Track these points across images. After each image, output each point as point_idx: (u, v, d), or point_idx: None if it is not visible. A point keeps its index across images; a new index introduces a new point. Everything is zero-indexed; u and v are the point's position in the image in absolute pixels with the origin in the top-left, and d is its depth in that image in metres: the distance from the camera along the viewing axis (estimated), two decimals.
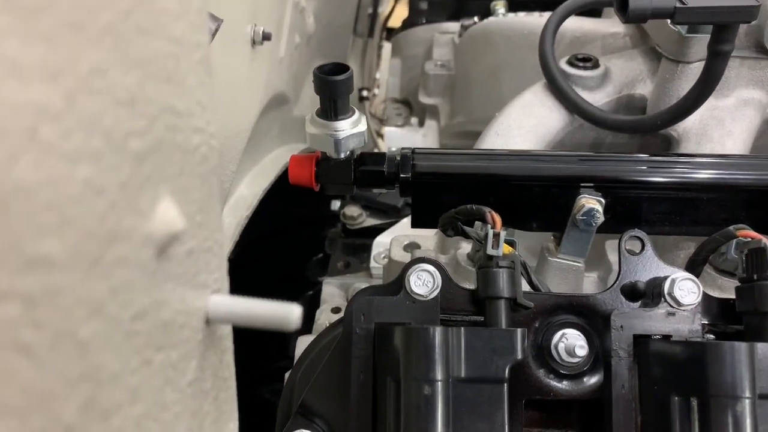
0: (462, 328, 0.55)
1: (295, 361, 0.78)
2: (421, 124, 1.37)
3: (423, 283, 0.61)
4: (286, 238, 1.44)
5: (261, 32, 1.05)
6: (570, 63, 0.92)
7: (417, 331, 0.54)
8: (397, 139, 1.33)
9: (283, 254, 1.43)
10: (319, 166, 0.76)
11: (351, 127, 0.73)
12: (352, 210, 1.15)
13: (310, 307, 1.13)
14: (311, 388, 0.64)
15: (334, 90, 0.70)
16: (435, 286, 0.61)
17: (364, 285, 0.99)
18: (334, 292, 0.98)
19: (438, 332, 0.54)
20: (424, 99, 1.35)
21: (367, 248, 1.10)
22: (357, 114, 0.74)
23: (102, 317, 0.21)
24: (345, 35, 1.82)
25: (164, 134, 0.25)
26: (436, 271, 0.61)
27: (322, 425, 0.62)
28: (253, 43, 1.05)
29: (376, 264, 1.03)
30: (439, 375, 0.53)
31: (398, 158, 0.76)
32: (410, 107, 1.44)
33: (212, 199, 0.33)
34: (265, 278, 1.46)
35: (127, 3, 0.21)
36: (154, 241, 0.26)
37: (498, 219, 0.62)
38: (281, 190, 1.27)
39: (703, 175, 0.75)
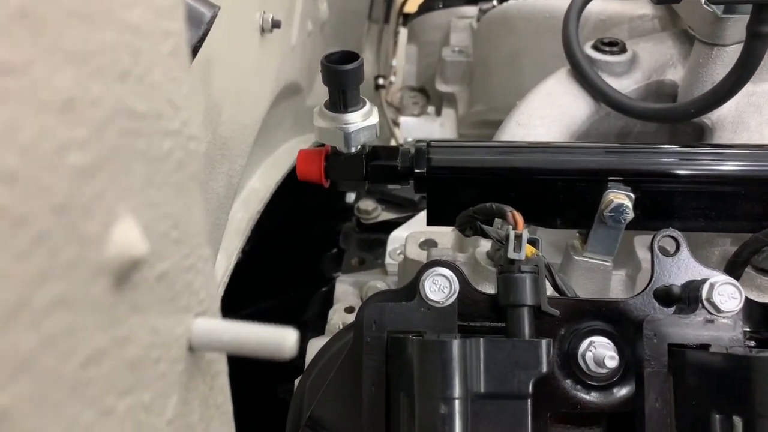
0: (481, 340, 0.51)
1: (306, 366, 0.74)
2: (438, 113, 1.32)
3: (439, 288, 0.56)
4: (301, 232, 1.41)
5: (270, 20, 1.01)
6: (595, 48, 0.87)
7: (432, 345, 0.50)
8: (413, 129, 1.28)
9: (298, 248, 1.40)
10: (329, 162, 0.71)
11: (362, 120, 0.68)
12: (367, 204, 1.11)
13: (324, 305, 1.09)
14: (320, 400, 0.60)
15: (343, 80, 0.66)
16: (452, 291, 0.56)
17: (378, 283, 0.94)
18: (347, 291, 0.94)
19: (455, 346, 0.49)
20: (442, 87, 1.29)
21: (383, 243, 1.06)
22: (368, 105, 0.69)
23: (31, 375, 0.17)
24: (359, 21, 1.77)
25: (118, 142, 0.21)
26: (453, 276, 0.57)
27: None
28: (262, 31, 1.01)
29: (391, 261, 0.99)
30: (456, 392, 0.49)
31: (412, 152, 0.71)
32: (427, 95, 1.39)
33: (193, 210, 0.29)
34: (279, 273, 1.43)
35: None
36: (110, 270, 0.21)
37: (520, 219, 0.57)
38: (295, 183, 1.22)
39: (740, 166, 0.70)
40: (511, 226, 0.56)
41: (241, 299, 1.38)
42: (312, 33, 1.41)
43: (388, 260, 0.99)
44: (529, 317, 0.54)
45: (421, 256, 0.82)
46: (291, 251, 1.36)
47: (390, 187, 0.99)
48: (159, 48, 0.24)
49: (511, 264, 0.55)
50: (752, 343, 0.59)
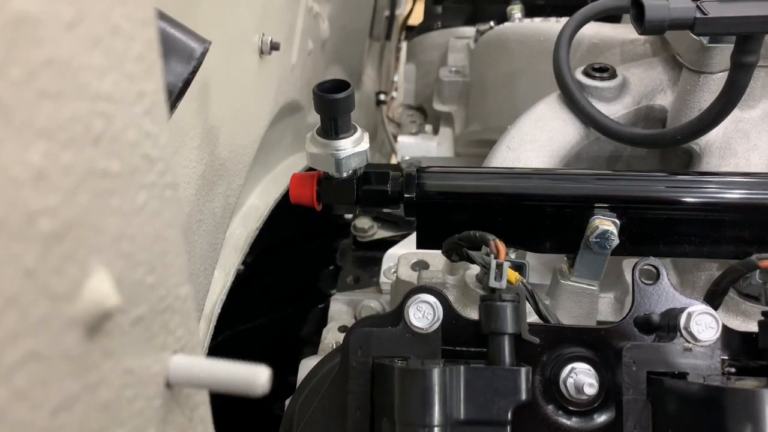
0: (462, 368, 0.52)
1: (297, 386, 0.75)
2: (435, 131, 1.33)
3: (423, 315, 0.58)
4: (299, 249, 1.42)
5: (269, 42, 1.02)
6: (586, 73, 0.88)
7: (413, 373, 0.51)
8: (410, 148, 1.30)
9: (296, 265, 1.41)
10: (321, 186, 0.73)
11: (353, 146, 0.70)
12: (363, 222, 1.13)
13: (320, 322, 1.10)
14: (307, 423, 0.61)
15: (334, 108, 0.67)
16: (435, 318, 0.58)
17: (372, 302, 0.96)
18: (342, 309, 0.96)
19: (435, 374, 0.50)
20: (439, 106, 1.31)
21: (378, 261, 1.07)
22: (359, 132, 0.71)
23: (1, 427, 0.19)
24: (361, 39, 1.79)
25: (91, 203, 0.23)
26: (437, 303, 0.58)
27: None
28: (261, 52, 1.03)
29: (385, 279, 1.00)
30: (435, 420, 0.50)
31: (403, 177, 0.73)
32: (425, 114, 1.41)
33: (169, 254, 0.31)
34: (277, 289, 1.45)
35: (25, 66, 0.18)
36: (82, 323, 0.23)
37: (502, 248, 0.58)
38: None
39: (725, 193, 0.71)
40: (492, 255, 0.57)
41: (239, 315, 1.40)
42: (313, 51, 1.43)
43: (382, 279, 1.01)
44: (510, 345, 0.55)
45: (412, 277, 0.83)
46: (289, 267, 1.37)
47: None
48: (132, 110, 0.25)
49: (492, 292, 0.56)
50: (732, 370, 0.60)
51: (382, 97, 1.90)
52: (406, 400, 0.51)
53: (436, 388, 0.50)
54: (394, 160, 1.79)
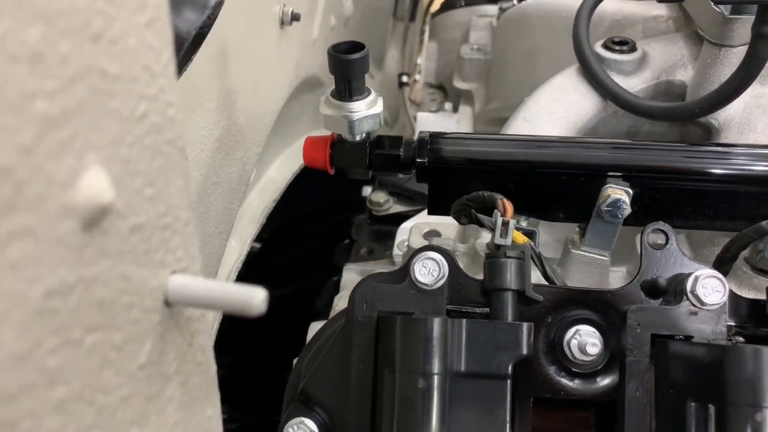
0: (464, 320, 0.53)
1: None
2: (455, 109, 1.33)
3: (428, 271, 0.58)
4: (317, 223, 1.44)
5: (290, 13, 1.03)
6: (605, 46, 0.87)
7: (413, 322, 0.52)
8: (430, 124, 1.30)
9: (313, 239, 1.42)
10: (334, 149, 0.74)
11: (366, 108, 0.70)
12: (379, 196, 1.13)
13: (333, 294, 1.11)
14: (312, 376, 0.62)
15: (348, 69, 0.68)
16: (440, 275, 0.58)
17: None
18: (354, 279, 0.96)
19: (436, 323, 0.51)
20: (459, 84, 1.31)
21: (393, 235, 1.08)
22: (373, 95, 0.71)
23: None
24: (384, 19, 1.79)
25: (89, 98, 0.24)
26: (443, 260, 0.58)
27: (322, 414, 0.61)
28: (282, 23, 1.04)
29: (399, 252, 1.00)
30: (435, 368, 0.50)
31: (416, 142, 0.73)
32: (445, 92, 1.41)
33: (170, 173, 0.32)
34: (295, 262, 1.46)
35: None
36: (77, 213, 0.24)
37: (509, 207, 0.59)
38: (312, 174, 1.25)
39: (741, 166, 0.70)
40: (499, 213, 0.58)
41: (259, 286, 1.41)
42: (335, 28, 1.43)
43: (395, 251, 1.01)
44: (513, 301, 0.55)
45: (423, 244, 0.83)
46: (306, 241, 1.39)
47: (401, 176, 1.00)
48: (134, 18, 0.26)
49: (497, 249, 0.56)
50: (741, 339, 0.60)
51: (404, 79, 1.90)
52: (406, 348, 0.51)
53: (437, 338, 0.51)
54: None
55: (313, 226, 1.41)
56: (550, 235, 0.94)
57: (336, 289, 1.15)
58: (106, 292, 0.27)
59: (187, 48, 0.51)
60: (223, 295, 0.33)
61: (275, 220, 1.24)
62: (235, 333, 1.30)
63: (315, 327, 0.81)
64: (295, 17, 1.04)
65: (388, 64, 1.97)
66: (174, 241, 0.33)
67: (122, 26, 0.25)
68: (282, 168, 1.24)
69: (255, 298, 0.33)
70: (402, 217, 1.10)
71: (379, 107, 0.71)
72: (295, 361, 0.75)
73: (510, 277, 0.55)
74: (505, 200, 0.59)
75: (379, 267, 0.99)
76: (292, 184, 1.20)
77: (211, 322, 0.82)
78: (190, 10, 0.51)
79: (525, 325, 0.53)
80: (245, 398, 1.27)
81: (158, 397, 0.34)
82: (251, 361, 1.33)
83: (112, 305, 0.28)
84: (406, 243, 0.98)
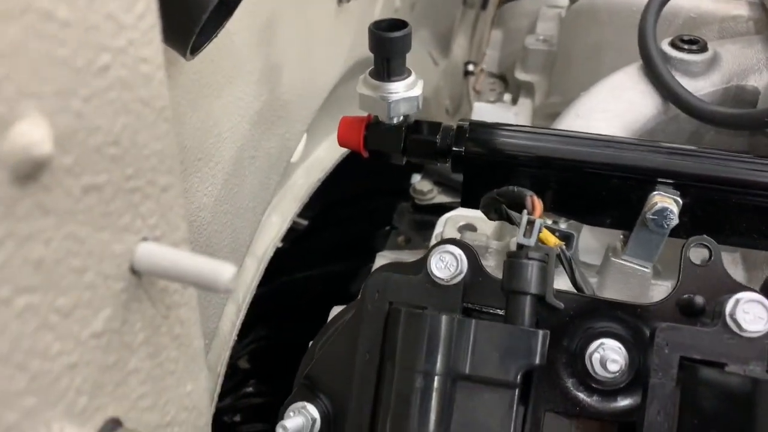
0: (473, 321, 0.49)
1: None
2: (514, 101, 1.28)
3: (445, 266, 0.55)
4: (362, 206, 1.42)
5: None
6: (673, 44, 0.81)
7: (417, 317, 0.49)
8: (486, 115, 1.25)
9: (356, 222, 1.41)
10: (369, 130, 0.71)
11: (404, 90, 0.67)
12: (423, 185, 1.10)
13: None
14: (319, 361, 0.60)
15: (388, 48, 0.65)
16: (458, 270, 0.55)
17: None
18: None
19: (440, 321, 0.48)
20: (521, 75, 1.26)
21: (433, 225, 1.05)
22: (413, 77, 0.68)
23: None
24: (453, 5, 1.75)
25: (25, 41, 0.22)
26: (462, 255, 0.55)
27: (325, 400, 0.59)
28: (340, 1, 1.01)
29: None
30: (437, 368, 0.48)
31: (453, 130, 0.70)
32: (506, 83, 1.36)
33: (141, 133, 0.30)
34: (336, 244, 1.45)
35: None
36: (6, 163, 0.22)
37: (539, 205, 0.55)
38: (361, 158, 1.23)
39: None
40: (526, 211, 0.54)
41: (298, 263, 1.41)
42: (399, 10, 1.40)
43: (433, 242, 0.98)
44: (530, 306, 0.52)
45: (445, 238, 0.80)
46: (351, 223, 1.37)
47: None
48: None
49: (520, 249, 0.53)
50: None
51: (470, 67, 1.85)
52: (407, 343, 0.49)
53: (441, 336, 0.48)
54: None
55: (359, 209, 1.39)
56: (599, 242, 0.89)
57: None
58: (47, 251, 0.25)
59: (211, 11, 0.50)
60: (191, 268, 0.31)
61: (322, 199, 1.23)
62: (270, 307, 1.30)
63: (336, 311, 0.79)
64: None
65: (455, 52, 1.93)
66: (145, 206, 0.32)
67: None
68: (331, 148, 1.22)
69: (222, 274, 0.31)
70: (445, 208, 1.07)
71: (418, 90, 0.68)
72: (311, 343, 0.74)
73: (529, 280, 0.51)
74: (535, 198, 0.55)
75: (413, 257, 0.97)
76: (341, 164, 1.18)
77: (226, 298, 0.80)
78: None
79: (540, 333, 0.50)
80: (275, 375, 1.27)
81: (117, 367, 0.32)
82: (284, 338, 1.33)
83: (54, 266, 0.26)
84: (442, 233, 0.95)
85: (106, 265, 0.29)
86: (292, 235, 1.35)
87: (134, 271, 0.32)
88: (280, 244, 1.04)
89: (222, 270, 0.31)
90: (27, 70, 0.22)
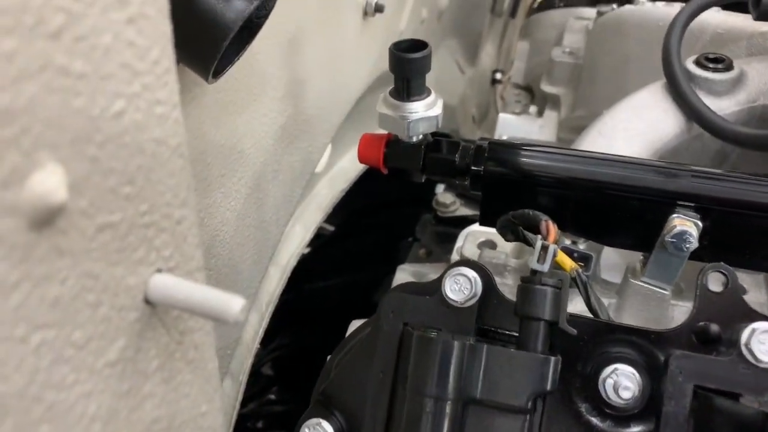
0: (485, 346, 0.50)
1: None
2: (540, 113, 1.28)
3: (459, 288, 0.56)
4: (386, 216, 1.43)
5: (374, 3, 1.02)
6: (697, 62, 0.81)
7: (429, 342, 0.50)
8: (512, 127, 1.26)
9: (380, 231, 1.42)
10: (389, 148, 0.72)
11: (424, 110, 0.68)
12: (446, 197, 1.10)
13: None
14: (335, 378, 0.61)
15: (408, 68, 0.66)
16: (472, 293, 0.55)
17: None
18: (405, 280, 0.95)
19: (453, 346, 0.48)
20: (547, 87, 1.25)
21: (455, 238, 1.05)
22: (432, 96, 0.69)
23: None
24: (481, 14, 1.75)
25: (42, 96, 0.23)
26: (477, 278, 0.56)
27: (340, 418, 0.60)
28: (365, 13, 1.02)
29: (457, 257, 0.98)
30: (446, 393, 0.48)
31: (473, 148, 0.70)
32: (532, 95, 1.36)
33: (156, 171, 0.31)
34: (360, 253, 1.46)
35: None
36: (23, 212, 0.23)
37: (553, 230, 0.55)
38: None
39: None
40: (540, 236, 0.54)
41: (322, 271, 1.42)
42: (426, 21, 1.40)
43: (454, 256, 0.98)
44: (544, 332, 0.52)
45: (475, 255, 0.81)
46: (373, 233, 1.38)
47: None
48: (109, 15, 0.25)
49: (533, 275, 0.53)
50: None
51: (498, 76, 1.85)
52: (419, 368, 0.49)
53: (453, 361, 0.48)
54: None
55: (383, 219, 1.40)
56: (624, 258, 0.88)
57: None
58: (62, 290, 0.27)
59: (233, 38, 0.51)
60: (201, 300, 0.32)
61: (346, 208, 1.24)
62: (293, 316, 1.32)
63: (355, 325, 0.80)
64: (379, 8, 1.02)
65: (483, 59, 1.93)
66: (159, 240, 0.33)
67: (91, 23, 0.24)
68: (355, 159, 1.23)
69: (232, 307, 0.32)
70: (467, 221, 1.07)
71: (437, 109, 0.69)
72: (329, 358, 0.75)
73: (542, 306, 0.51)
74: (550, 222, 0.55)
75: (433, 270, 0.97)
76: (365, 173, 1.19)
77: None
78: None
79: (552, 360, 0.50)
80: (297, 383, 1.29)
81: (132, 393, 0.33)
82: (307, 346, 1.35)
83: (69, 303, 0.27)
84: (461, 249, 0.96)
85: (120, 297, 0.31)
86: (317, 241, 1.36)
87: (148, 302, 0.33)
88: (306, 251, 1.05)
89: (231, 303, 0.32)
90: (44, 123, 0.23)
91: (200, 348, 0.40)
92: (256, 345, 0.93)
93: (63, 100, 0.24)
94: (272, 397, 1.19)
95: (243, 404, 0.91)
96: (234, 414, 0.88)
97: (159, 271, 0.33)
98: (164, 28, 0.29)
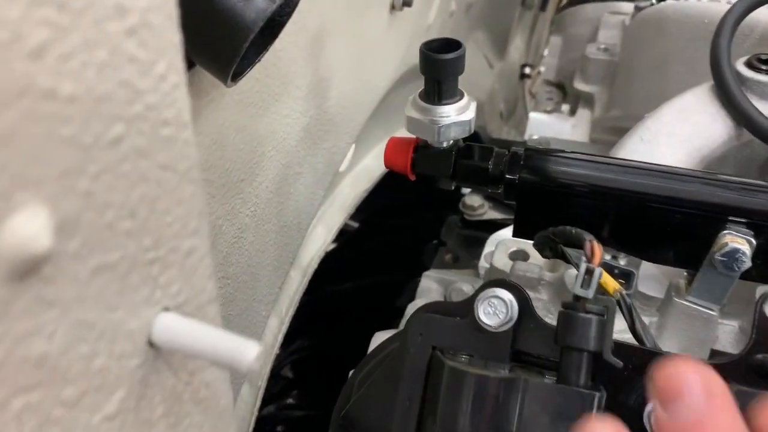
0: (522, 379, 0.46)
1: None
2: (572, 112, 1.23)
3: (494, 312, 0.51)
4: (411, 218, 1.39)
5: None
6: (749, 64, 0.75)
7: (464, 377, 0.45)
8: (542, 126, 1.20)
9: (405, 233, 1.38)
10: (417, 153, 0.68)
11: (456, 114, 0.64)
12: (474, 200, 1.06)
13: (413, 297, 1.06)
14: (357, 401, 0.57)
15: (439, 70, 0.61)
16: (508, 318, 0.51)
17: (464, 286, 0.90)
18: (431, 287, 0.91)
19: (491, 383, 0.44)
20: (580, 85, 1.20)
21: (483, 243, 1.01)
22: (465, 99, 0.64)
23: None
24: (511, 7, 1.69)
25: (23, 127, 0.19)
26: (513, 301, 0.51)
27: None
28: (392, 8, 0.98)
29: (485, 264, 0.93)
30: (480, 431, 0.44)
31: (507, 155, 0.66)
32: (564, 92, 1.30)
33: (162, 201, 0.27)
34: (383, 254, 1.42)
35: None
36: (1, 263, 0.20)
37: (598, 251, 0.50)
38: None
39: None
40: (584, 259, 0.50)
41: (345, 273, 1.39)
42: (455, 13, 1.36)
43: (481, 262, 0.94)
44: (587, 364, 0.47)
45: (506, 266, 0.76)
46: (397, 234, 1.34)
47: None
48: (105, 27, 0.22)
49: (576, 301, 0.48)
50: None
51: (527, 70, 1.80)
52: (450, 404, 0.45)
53: (487, 398, 0.44)
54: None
55: (408, 219, 1.36)
56: (659, 269, 0.83)
57: (416, 292, 1.10)
58: (50, 345, 0.23)
59: (253, 38, 0.47)
60: (210, 343, 0.28)
61: (368, 210, 1.20)
62: (313, 318, 1.28)
63: (378, 338, 0.76)
64: (407, 3, 0.98)
65: (512, 53, 1.87)
66: (166, 276, 0.29)
67: (81, 37, 0.21)
68: (379, 157, 1.19)
69: (246, 355, 0.28)
70: (496, 225, 1.03)
71: (470, 113, 0.64)
72: (350, 373, 0.71)
73: (586, 337, 0.47)
74: (595, 243, 0.51)
75: (461, 277, 0.93)
76: (390, 173, 1.15)
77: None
78: None
79: (597, 396, 0.46)
80: (317, 387, 1.26)
81: None
82: (328, 350, 1.32)
83: (58, 359, 0.24)
84: (491, 259, 0.91)
85: (119, 344, 0.27)
86: (341, 238, 1.33)
87: (152, 344, 0.29)
88: (330, 247, 1.02)
89: (245, 350, 0.28)
90: (24, 157, 0.20)
91: (212, 385, 0.36)
92: (276, 350, 0.90)
93: (48, 128, 0.20)
94: (291, 401, 1.16)
95: (261, 406, 0.88)
96: (252, 420, 0.85)
97: (166, 309, 0.30)
98: (172, 37, 0.26)
